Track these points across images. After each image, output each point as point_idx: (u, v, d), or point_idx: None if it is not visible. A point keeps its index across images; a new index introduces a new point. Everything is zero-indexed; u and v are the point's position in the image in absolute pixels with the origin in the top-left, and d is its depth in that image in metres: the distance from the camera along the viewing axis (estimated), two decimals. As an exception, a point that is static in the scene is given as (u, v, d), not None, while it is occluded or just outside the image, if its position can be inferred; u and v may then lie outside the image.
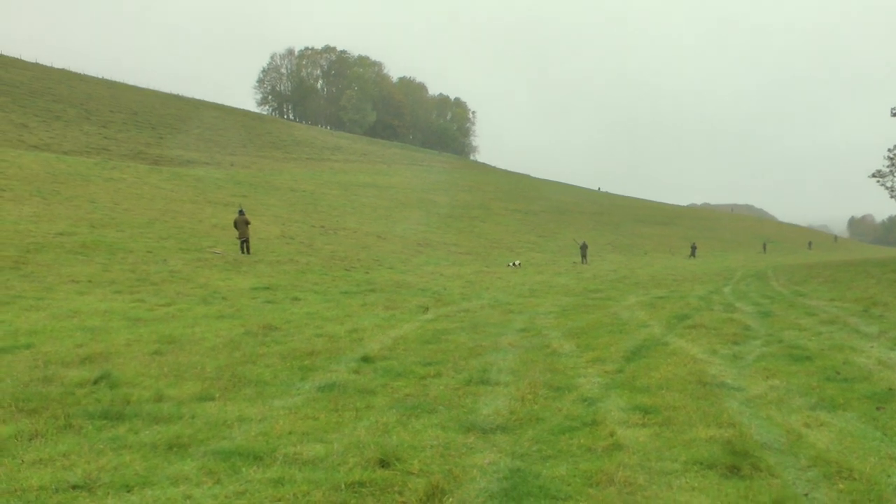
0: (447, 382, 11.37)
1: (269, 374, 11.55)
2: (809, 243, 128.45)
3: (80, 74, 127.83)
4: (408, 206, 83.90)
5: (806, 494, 6.63)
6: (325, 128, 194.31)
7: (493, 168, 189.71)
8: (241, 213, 37.90)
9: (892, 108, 57.55)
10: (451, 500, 6.33)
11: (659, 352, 14.47)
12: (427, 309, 21.88)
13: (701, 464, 7.39)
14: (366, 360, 13.08)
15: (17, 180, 47.35)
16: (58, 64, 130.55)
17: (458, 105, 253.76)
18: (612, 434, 8.43)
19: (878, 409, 9.63)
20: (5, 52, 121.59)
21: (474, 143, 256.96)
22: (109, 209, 44.20)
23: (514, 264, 48.55)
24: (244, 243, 36.81)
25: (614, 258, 68.73)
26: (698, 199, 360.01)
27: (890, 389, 10.56)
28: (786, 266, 57.24)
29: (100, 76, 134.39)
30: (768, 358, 13.71)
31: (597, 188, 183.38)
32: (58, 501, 6.19)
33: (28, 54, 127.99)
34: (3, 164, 51.71)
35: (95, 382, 10.42)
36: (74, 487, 6.50)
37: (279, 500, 6.26)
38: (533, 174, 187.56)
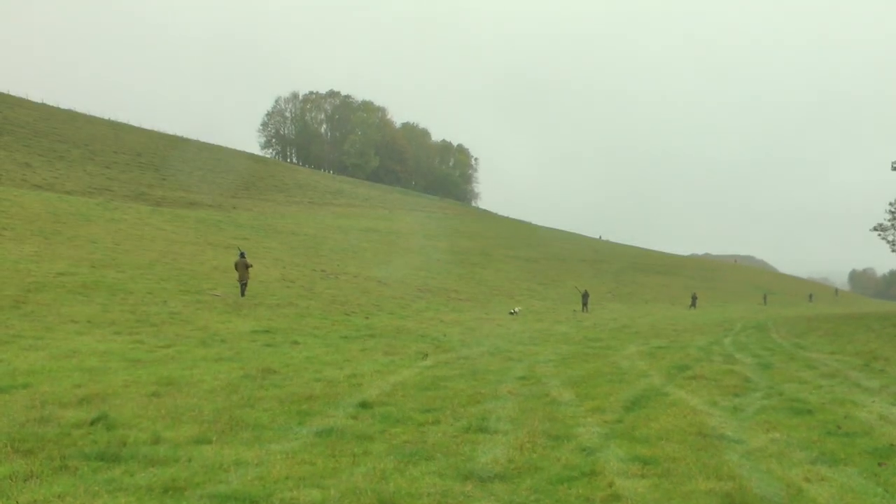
0: (445, 430, 11.33)
1: (266, 418, 11.51)
2: (810, 295, 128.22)
3: (85, 115, 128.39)
4: (409, 251, 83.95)
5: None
6: (328, 172, 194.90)
7: (495, 215, 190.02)
8: (241, 255, 37.95)
9: (893, 162, 57.82)
10: (448, 549, 6.28)
11: (659, 402, 14.43)
12: (426, 355, 21.84)
13: (700, 516, 7.35)
14: (364, 405, 13.04)
15: (19, 219, 47.45)
16: (64, 105, 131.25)
17: (461, 151, 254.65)
18: (610, 484, 8.38)
19: (879, 464, 9.58)
20: (12, 93, 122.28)
21: (476, 190, 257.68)
22: (110, 250, 44.25)
23: (513, 311, 47.23)
24: (244, 286, 36.82)
25: (615, 307, 68.67)
26: (699, 249, 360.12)
27: (891, 445, 10.52)
28: (786, 318, 57.17)
29: (105, 117, 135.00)
30: (769, 411, 13.67)
31: (598, 236, 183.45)
32: (51, 543, 6.14)
33: (35, 94, 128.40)
34: (5, 203, 51.83)
35: (92, 423, 10.39)
36: (69, 530, 6.45)
37: (275, 546, 6.21)
38: (534, 221, 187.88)
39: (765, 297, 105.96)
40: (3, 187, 61.85)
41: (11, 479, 7.85)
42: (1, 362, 16.04)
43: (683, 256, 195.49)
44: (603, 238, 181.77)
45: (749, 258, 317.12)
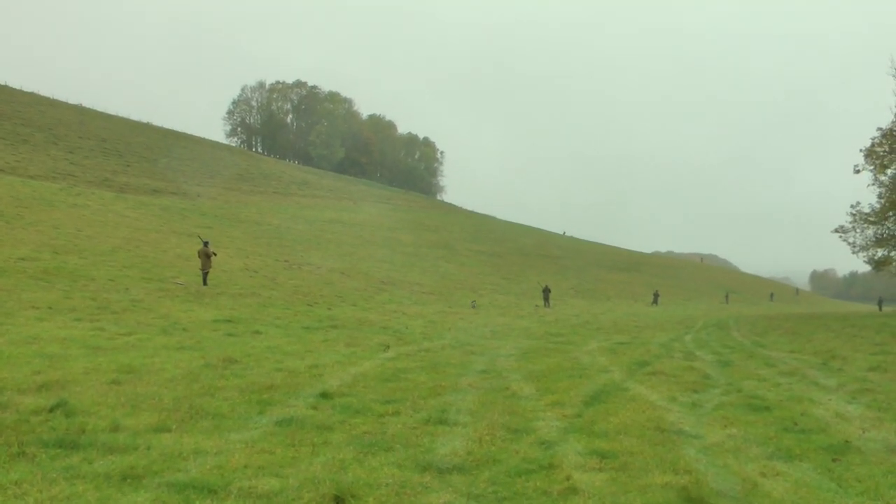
0: (405, 421, 11.35)
1: (227, 407, 11.48)
2: (771, 295, 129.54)
3: (49, 99, 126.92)
4: (373, 243, 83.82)
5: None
6: (294, 162, 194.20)
7: (460, 208, 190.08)
8: (205, 244, 37.83)
9: (855, 166, 58.55)
10: (404, 539, 6.31)
11: (618, 397, 14.52)
12: (388, 347, 21.88)
13: (656, 510, 7.42)
14: (325, 395, 13.04)
15: (-20, 204, 46.93)
16: (27, 88, 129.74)
17: (427, 144, 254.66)
18: (568, 478, 8.42)
19: (834, 460, 9.70)
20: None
21: (441, 183, 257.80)
22: (73, 235, 43.87)
23: (473, 304, 46.96)
24: (206, 275, 36.67)
25: (577, 303, 68.99)
26: (663, 247, 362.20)
27: (846, 442, 10.64)
28: (747, 317, 57.74)
29: (70, 101, 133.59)
30: (727, 407, 13.78)
31: (562, 232, 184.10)
32: (7, 529, 6.12)
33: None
34: (-34, 186, 51.26)
35: (51, 410, 10.32)
36: (25, 516, 6.43)
37: (231, 534, 6.22)
38: (499, 216, 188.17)
39: (726, 296, 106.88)
40: (-35, 171, 61.15)
41: (-33, 466, 7.79)
42: (-41, 348, 15.91)
43: (647, 254, 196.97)
44: (567, 234, 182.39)
45: (712, 257, 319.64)
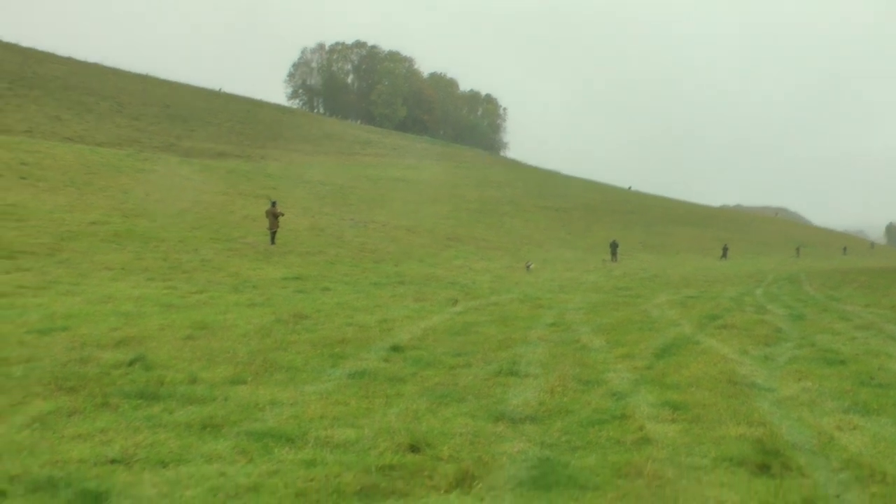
0: (476, 373, 11.40)
1: (300, 361, 11.63)
2: (844, 248, 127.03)
3: (112, 69, 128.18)
4: (438, 200, 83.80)
5: (837, 496, 6.55)
6: (356, 122, 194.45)
7: (524, 164, 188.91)
8: (272, 204, 38.16)
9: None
10: (480, 485, 6.34)
11: (689, 350, 14.42)
12: (456, 301, 21.93)
13: (730, 461, 7.33)
14: (396, 349, 13.15)
15: (52, 171, 47.78)
16: (91, 58, 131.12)
17: (489, 101, 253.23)
18: (641, 428, 8.40)
19: (912, 414, 9.53)
20: (40, 48, 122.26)
21: (505, 140, 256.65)
22: (141, 199, 44.53)
23: (529, 266, 44.08)
24: (273, 235, 37.01)
25: (645, 257, 68.48)
26: (731, 201, 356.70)
27: (925, 396, 10.44)
28: (819, 270, 56.85)
29: (132, 70, 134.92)
30: (800, 360, 13.58)
31: (628, 187, 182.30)
32: (97, 474, 6.27)
33: (62, 49, 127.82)
34: (38, 155, 52.14)
35: (130, 364, 10.53)
36: (112, 461, 6.59)
37: (311, 480, 6.29)
38: (564, 171, 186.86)
39: (798, 250, 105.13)
40: (36, 140, 62.19)
41: (57, 415, 8.00)
42: (40, 307, 16.25)
43: (715, 208, 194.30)
44: (633, 189, 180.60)
45: (783, 210, 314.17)
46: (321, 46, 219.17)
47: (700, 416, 9.06)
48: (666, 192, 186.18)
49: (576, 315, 20.21)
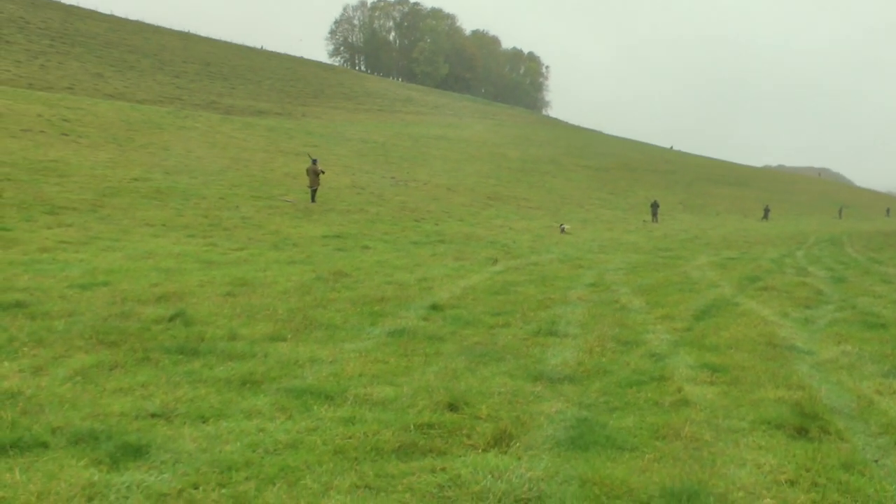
0: (515, 332, 11.42)
1: (339, 319, 11.69)
2: (887, 210, 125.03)
3: (154, 26, 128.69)
4: (478, 159, 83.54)
5: (876, 461, 6.51)
6: (397, 80, 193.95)
7: (566, 123, 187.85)
8: (313, 162, 38.18)
9: None
10: (518, 444, 6.37)
11: (729, 312, 14.35)
12: (496, 261, 21.92)
13: (768, 424, 7.31)
14: (435, 308, 13.19)
15: (94, 127, 48.11)
16: (133, 16, 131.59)
17: (532, 59, 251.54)
18: (679, 390, 8.39)
19: (956, 379, 9.42)
20: (82, 5, 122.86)
21: (546, 98, 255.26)
22: (182, 157, 44.78)
23: (563, 228, 41.53)
24: (314, 192, 37.09)
25: (685, 218, 67.95)
26: (773, 161, 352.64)
27: (968, 360, 10.32)
28: (862, 232, 56.21)
29: (173, 28, 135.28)
30: (841, 323, 13.46)
31: (669, 146, 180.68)
32: (137, 427, 6.37)
33: (104, 6, 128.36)
34: (79, 111, 52.51)
35: (171, 319, 10.65)
36: (153, 416, 6.69)
37: (350, 437, 6.35)
38: (605, 131, 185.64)
39: (840, 211, 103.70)
40: (78, 97, 62.66)
41: (98, 368, 8.13)
42: (81, 262, 16.46)
43: (757, 168, 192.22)
44: (674, 148, 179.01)
45: (825, 170, 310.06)
46: (363, 3, 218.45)
47: (739, 379, 9.03)
48: (707, 152, 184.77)
49: (615, 275, 20.15)
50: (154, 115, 60.29)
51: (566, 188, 76.66)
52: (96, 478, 5.31)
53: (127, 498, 5.03)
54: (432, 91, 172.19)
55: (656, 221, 58.32)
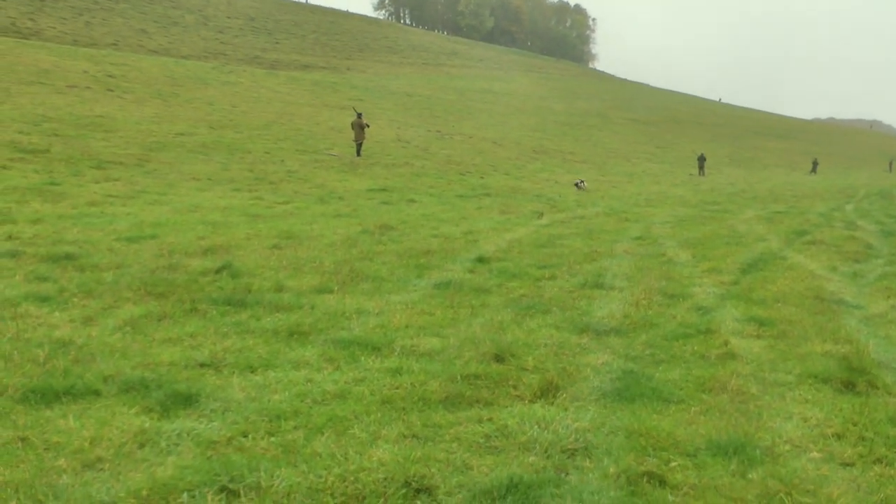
0: (561, 285, 11.42)
1: (385, 271, 11.74)
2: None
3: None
4: (524, 112, 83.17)
5: (924, 416, 6.47)
6: (442, 33, 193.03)
7: (612, 76, 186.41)
8: (358, 116, 38.12)
9: None
10: (564, 395, 6.39)
11: (776, 266, 14.23)
12: (542, 214, 21.88)
13: (815, 377, 7.25)
14: (481, 260, 13.21)
15: (139, 83, 48.51)
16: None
17: (578, 12, 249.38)
18: (725, 343, 8.34)
19: None
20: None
21: (593, 51, 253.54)
22: (227, 111, 45.02)
23: (578, 184, 35.46)
24: (359, 146, 37.11)
25: (732, 172, 67.19)
26: (823, 113, 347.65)
27: None
28: (912, 185, 55.29)
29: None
30: (890, 277, 13.31)
31: (717, 99, 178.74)
32: (187, 377, 6.46)
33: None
34: (124, 67, 52.94)
35: (218, 272, 10.75)
36: (202, 365, 6.78)
37: (397, 387, 6.40)
38: (652, 84, 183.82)
39: (890, 164, 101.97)
40: (122, 53, 63.16)
41: (147, 319, 8.24)
42: (129, 215, 16.64)
43: (806, 120, 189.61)
44: (722, 101, 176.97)
45: (877, 123, 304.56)
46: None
47: (786, 333, 8.98)
48: (756, 105, 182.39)
49: (662, 229, 20.05)
50: (198, 71, 60.63)
51: (612, 142, 76.17)
52: (147, 425, 5.41)
53: (177, 445, 5.11)
54: (477, 44, 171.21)
55: (703, 175, 57.74)
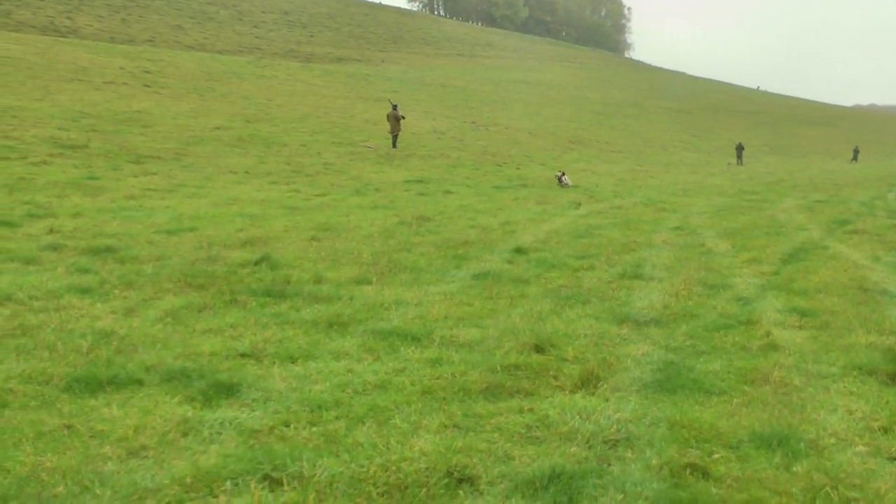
0: (600, 275, 11.37)
1: (423, 262, 11.77)
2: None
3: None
4: (560, 102, 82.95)
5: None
6: (476, 24, 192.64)
7: (648, 65, 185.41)
8: (394, 108, 38.15)
9: None
10: (605, 386, 6.36)
11: (817, 256, 14.08)
12: (579, 205, 21.82)
13: (860, 369, 7.15)
14: (519, 251, 13.19)
15: (175, 78, 48.92)
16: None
17: (613, 1, 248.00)
18: (767, 334, 8.24)
19: None
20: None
21: (629, 41, 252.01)
22: (263, 105, 45.27)
23: (560, 178, 30.29)
24: (395, 138, 37.14)
25: (771, 160, 66.60)
26: (864, 100, 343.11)
27: None
28: (958, 173, 54.50)
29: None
30: (936, 267, 13.14)
31: (755, 87, 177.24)
32: (228, 367, 6.52)
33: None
34: (161, 63, 53.40)
35: (257, 263, 10.85)
36: (242, 355, 6.84)
37: (437, 378, 6.40)
38: (688, 72, 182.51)
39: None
40: (158, 49, 63.72)
41: (187, 310, 8.33)
42: (167, 208, 16.80)
43: (846, 107, 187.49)
44: (760, 88, 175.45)
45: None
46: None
47: (828, 324, 8.87)
48: (795, 92, 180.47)
49: (700, 219, 19.93)
50: (234, 65, 61.02)
51: (649, 131, 75.78)
52: (190, 414, 5.46)
53: (220, 434, 5.15)
54: (512, 35, 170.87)
55: (741, 164, 57.29)
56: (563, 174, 29.83)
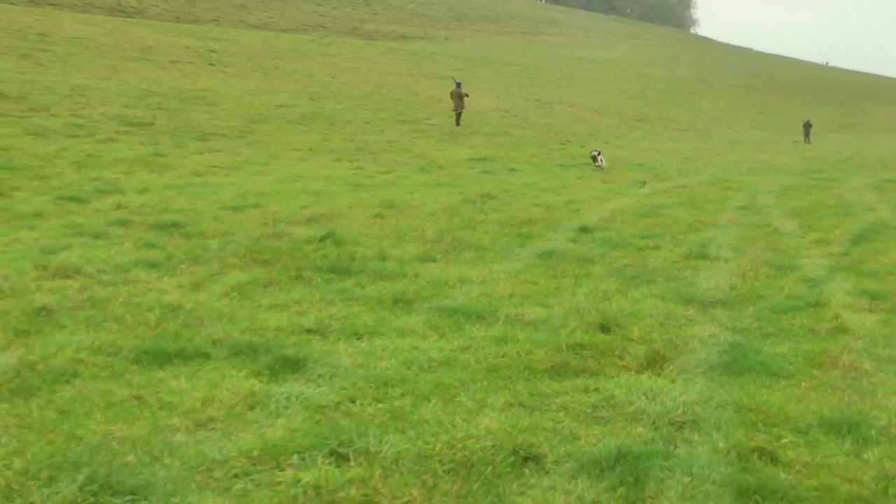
0: (665, 255, 11.30)
1: (487, 240, 11.76)
2: None
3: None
4: (625, 80, 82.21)
5: None
6: (541, 1, 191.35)
7: (714, 42, 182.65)
8: (458, 85, 38.06)
9: None
10: (671, 367, 6.30)
11: (887, 237, 13.85)
12: (644, 183, 21.65)
13: (932, 355, 7.04)
14: (583, 230, 13.13)
15: (239, 57, 49.37)
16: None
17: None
18: (836, 317, 8.10)
19: None
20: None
21: (695, 17, 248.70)
22: (327, 83, 45.50)
23: (595, 157, 27.18)
24: (458, 116, 37.08)
25: (839, 138, 65.36)
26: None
27: None
28: None
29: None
30: None
31: (824, 63, 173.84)
32: (294, 342, 6.57)
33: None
34: (225, 42, 53.91)
35: (321, 240, 10.91)
36: (308, 331, 6.88)
37: (503, 356, 6.40)
38: (756, 48, 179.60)
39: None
40: (222, 28, 64.27)
41: (253, 285, 8.41)
42: (232, 185, 16.99)
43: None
44: (829, 64, 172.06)
45: None
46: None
47: (900, 307, 8.71)
48: (866, 68, 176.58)
49: (767, 198, 19.68)
50: (298, 44, 61.37)
51: (715, 108, 74.85)
52: (257, 387, 5.52)
53: (286, 408, 5.20)
54: (576, 12, 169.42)
55: (808, 142, 56.32)
56: (599, 153, 27.43)
